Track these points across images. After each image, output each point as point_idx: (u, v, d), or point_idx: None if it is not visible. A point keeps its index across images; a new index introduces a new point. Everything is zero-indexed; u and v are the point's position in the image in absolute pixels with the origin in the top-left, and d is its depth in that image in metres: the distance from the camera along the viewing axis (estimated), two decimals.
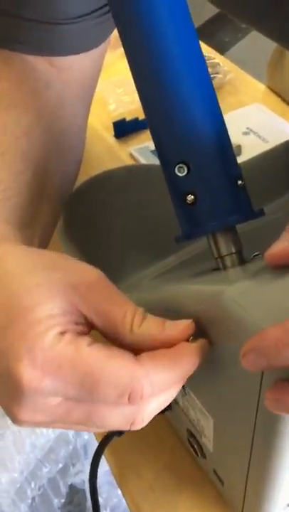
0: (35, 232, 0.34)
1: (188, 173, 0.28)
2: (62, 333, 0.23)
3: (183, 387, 0.32)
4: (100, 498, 0.83)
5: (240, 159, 0.60)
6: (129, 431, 0.26)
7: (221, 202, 0.28)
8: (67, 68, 0.41)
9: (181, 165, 0.29)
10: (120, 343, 0.24)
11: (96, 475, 0.37)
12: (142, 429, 0.36)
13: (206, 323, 0.24)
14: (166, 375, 0.23)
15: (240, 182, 0.29)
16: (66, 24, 0.38)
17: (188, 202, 0.29)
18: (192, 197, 0.28)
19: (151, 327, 0.24)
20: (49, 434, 1.04)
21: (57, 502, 1.00)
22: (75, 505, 0.97)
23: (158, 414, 0.35)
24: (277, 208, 0.41)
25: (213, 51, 0.79)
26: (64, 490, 0.96)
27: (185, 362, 0.23)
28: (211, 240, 0.29)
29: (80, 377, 0.22)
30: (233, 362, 0.22)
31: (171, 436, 0.38)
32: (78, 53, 0.41)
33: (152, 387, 0.22)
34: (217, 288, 0.22)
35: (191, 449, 0.35)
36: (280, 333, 0.18)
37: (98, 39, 0.43)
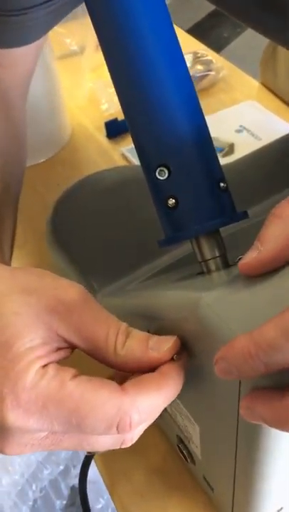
0: (4, 241, 0.34)
1: (169, 176, 0.28)
2: (45, 367, 0.22)
3: None
4: (101, 500, 0.83)
5: (232, 157, 0.60)
6: None
7: (202, 205, 0.28)
8: (12, 65, 0.40)
9: (162, 168, 0.28)
10: (105, 363, 0.24)
11: (85, 482, 0.37)
12: None
13: (186, 330, 0.24)
14: (153, 401, 0.22)
15: (222, 184, 0.28)
16: (18, 16, 0.36)
17: (169, 206, 0.28)
18: (173, 201, 0.28)
19: (134, 347, 0.23)
20: None
21: (59, 504, 1.00)
22: (77, 507, 0.97)
23: None
24: (265, 209, 0.40)
25: (207, 48, 0.78)
26: (66, 491, 0.97)
27: (171, 385, 0.23)
28: (194, 244, 0.29)
29: (66, 414, 0.21)
30: (213, 370, 0.21)
31: (162, 441, 0.38)
32: (29, 43, 0.40)
33: (140, 415, 0.22)
34: (195, 295, 0.22)
35: (181, 455, 0.34)
36: (247, 343, 0.18)
37: (47, 27, 0.41)
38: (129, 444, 0.24)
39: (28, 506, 1.06)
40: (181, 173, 0.28)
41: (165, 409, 0.34)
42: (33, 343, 0.22)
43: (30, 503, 1.06)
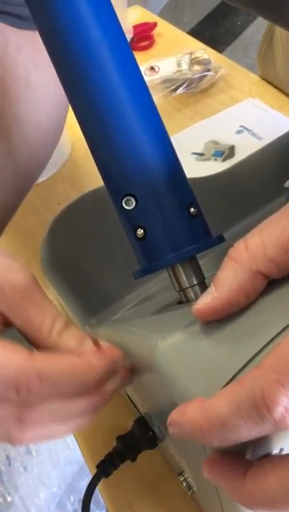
0: None
1: (136, 205, 0.27)
2: None
3: (159, 428, 0.30)
4: None
5: (233, 161, 0.58)
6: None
7: (172, 234, 0.26)
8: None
9: (128, 197, 0.27)
10: (35, 344, 0.25)
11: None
12: (139, 463, 0.35)
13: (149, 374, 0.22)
14: (58, 374, 0.22)
15: (192, 210, 0.27)
16: None
17: (138, 236, 0.27)
18: (142, 231, 0.27)
19: (69, 339, 0.24)
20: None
21: None
22: None
23: (147, 449, 0.34)
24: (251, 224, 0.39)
25: (205, 46, 0.75)
26: None
27: (83, 370, 0.22)
28: (170, 274, 0.27)
29: None
30: None
31: (170, 472, 0.37)
32: None
33: (41, 384, 0.21)
34: (152, 340, 0.21)
35: (183, 485, 0.33)
36: (198, 416, 0.16)
37: None
38: (24, 430, 0.22)
39: None
40: (148, 202, 0.26)
41: (162, 440, 0.33)
42: None
43: None
